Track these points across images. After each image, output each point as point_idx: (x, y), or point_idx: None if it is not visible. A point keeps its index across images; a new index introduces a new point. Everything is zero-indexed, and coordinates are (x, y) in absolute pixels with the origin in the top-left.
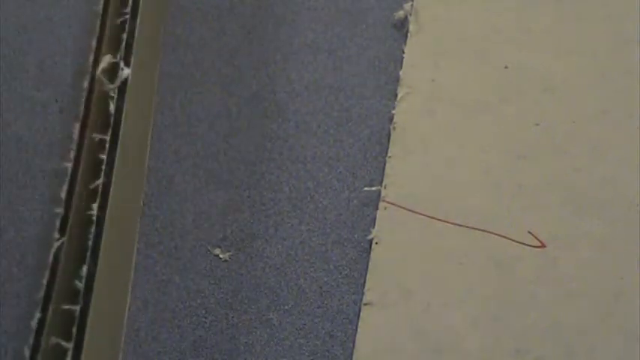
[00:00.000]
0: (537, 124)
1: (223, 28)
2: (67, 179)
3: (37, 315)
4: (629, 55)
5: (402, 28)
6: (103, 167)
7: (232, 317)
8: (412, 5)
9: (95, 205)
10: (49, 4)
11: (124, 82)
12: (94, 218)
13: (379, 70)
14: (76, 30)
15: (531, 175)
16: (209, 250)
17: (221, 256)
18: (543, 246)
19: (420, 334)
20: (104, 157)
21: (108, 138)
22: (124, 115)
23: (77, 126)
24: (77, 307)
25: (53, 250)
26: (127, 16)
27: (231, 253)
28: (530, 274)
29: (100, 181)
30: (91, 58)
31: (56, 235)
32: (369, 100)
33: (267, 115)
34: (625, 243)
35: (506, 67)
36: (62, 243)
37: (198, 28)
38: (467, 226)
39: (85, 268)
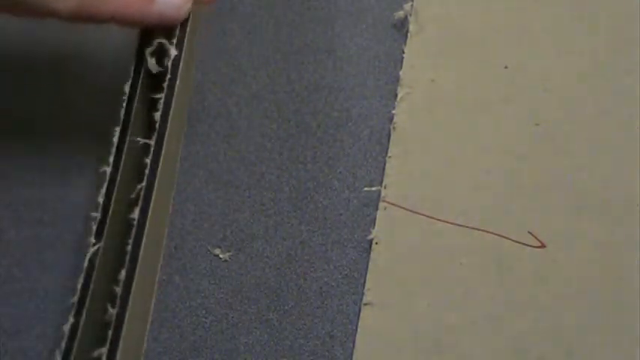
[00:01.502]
0: (537, 124)
1: (223, 28)
2: (106, 183)
3: (70, 319)
4: (629, 55)
5: (402, 28)
6: (146, 172)
7: (232, 317)
8: (412, 5)
9: (137, 209)
10: None
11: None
12: (135, 222)
13: (379, 70)
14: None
15: (531, 175)
16: (209, 250)
17: (221, 256)
18: (543, 246)
19: (420, 334)
20: (147, 161)
21: (153, 142)
22: (169, 121)
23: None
24: (114, 311)
25: (89, 255)
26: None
27: (231, 253)
28: (530, 274)
29: (143, 184)
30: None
31: (92, 239)
32: (369, 100)
33: (267, 115)
34: (625, 243)
35: (506, 67)
36: (98, 248)
37: (198, 28)
38: (467, 226)
39: (123, 272)
